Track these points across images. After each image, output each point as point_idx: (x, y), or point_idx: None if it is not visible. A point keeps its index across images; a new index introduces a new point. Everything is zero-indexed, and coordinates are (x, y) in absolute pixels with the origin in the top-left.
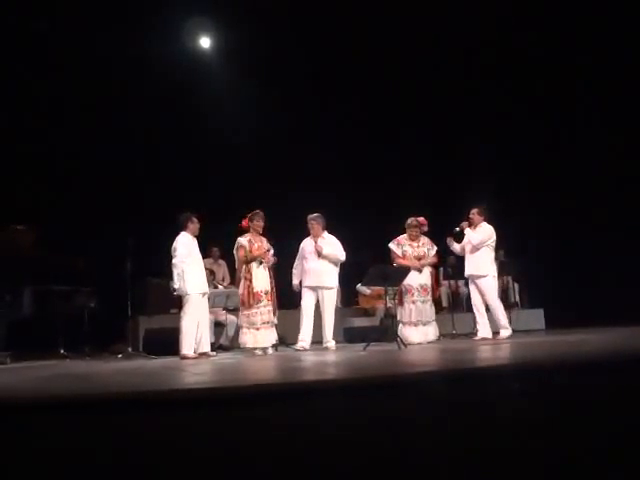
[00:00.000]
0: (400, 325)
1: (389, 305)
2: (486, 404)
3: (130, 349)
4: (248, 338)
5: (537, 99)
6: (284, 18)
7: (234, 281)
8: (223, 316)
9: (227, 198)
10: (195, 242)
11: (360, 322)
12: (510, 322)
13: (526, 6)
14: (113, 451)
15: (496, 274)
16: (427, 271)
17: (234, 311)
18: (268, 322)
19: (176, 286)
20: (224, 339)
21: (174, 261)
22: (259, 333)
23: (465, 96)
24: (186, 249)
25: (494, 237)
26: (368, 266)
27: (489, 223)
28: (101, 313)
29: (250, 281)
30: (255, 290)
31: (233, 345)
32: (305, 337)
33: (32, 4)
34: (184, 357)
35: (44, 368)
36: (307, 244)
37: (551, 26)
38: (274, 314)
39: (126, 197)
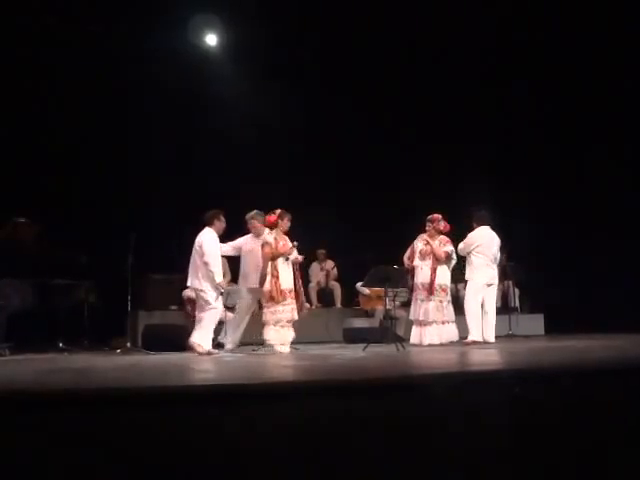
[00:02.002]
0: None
1: (388, 307)
2: (484, 408)
3: (129, 344)
4: (274, 335)
5: (542, 110)
6: (288, 16)
7: (235, 278)
8: (222, 313)
9: (229, 197)
10: (217, 240)
11: (359, 323)
12: (509, 327)
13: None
14: (109, 446)
15: (480, 280)
16: (428, 269)
17: (233, 309)
18: (292, 320)
19: (219, 279)
20: (222, 336)
21: (209, 260)
22: (283, 331)
23: (468, 97)
24: (213, 246)
25: (476, 243)
26: (369, 266)
27: (488, 225)
28: (101, 308)
29: (277, 278)
30: (282, 287)
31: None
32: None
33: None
34: (209, 353)
35: (43, 361)
36: (247, 242)
37: (557, 24)
38: (299, 311)
39: (129, 192)
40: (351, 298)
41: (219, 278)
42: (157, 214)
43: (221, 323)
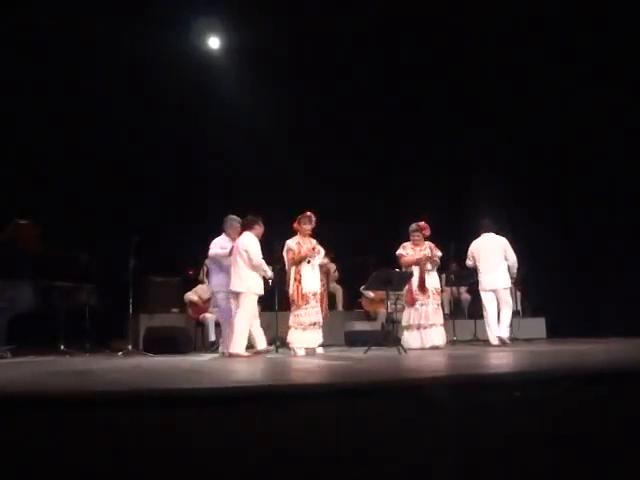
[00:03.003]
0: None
1: (390, 310)
2: (484, 412)
3: (130, 347)
4: (294, 337)
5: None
6: (287, 17)
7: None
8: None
9: (231, 200)
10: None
11: (361, 326)
12: (511, 330)
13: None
14: (110, 448)
15: (481, 287)
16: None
17: None
18: (315, 323)
19: (270, 274)
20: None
21: (259, 261)
22: (305, 334)
23: (474, 100)
24: (257, 249)
25: (470, 252)
26: (371, 269)
27: (491, 232)
28: (102, 310)
29: (299, 282)
30: (304, 291)
31: None
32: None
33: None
34: (237, 355)
35: (44, 363)
36: (226, 245)
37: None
38: (325, 315)
39: (131, 195)
40: (353, 301)
41: (270, 273)
42: (160, 216)
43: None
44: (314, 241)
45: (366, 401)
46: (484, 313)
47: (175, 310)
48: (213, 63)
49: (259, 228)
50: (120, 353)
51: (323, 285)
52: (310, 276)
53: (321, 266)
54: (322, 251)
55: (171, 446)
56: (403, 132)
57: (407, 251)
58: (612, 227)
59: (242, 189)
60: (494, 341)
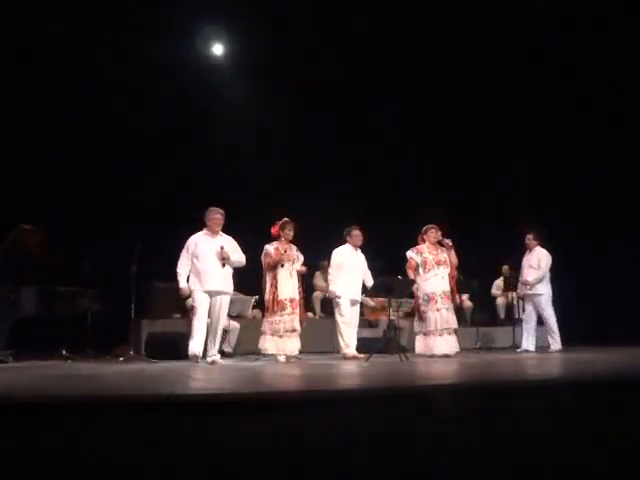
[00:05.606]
0: (421, 336)
1: (392, 317)
2: (488, 419)
3: (132, 352)
4: (270, 344)
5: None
6: (288, 24)
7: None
8: (226, 322)
9: (233, 206)
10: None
11: (363, 333)
12: (514, 338)
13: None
14: (111, 453)
15: (550, 292)
16: (446, 276)
17: (237, 317)
18: (292, 330)
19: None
20: (226, 345)
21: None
22: (281, 341)
23: (493, 111)
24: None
25: (550, 258)
26: (381, 275)
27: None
28: (104, 315)
29: (275, 288)
30: (279, 298)
31: (235, 352)
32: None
33: (43, 7)
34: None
35: (45, 368)
36: (200, 240)
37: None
38: (301, 322)
39: (135, 200)
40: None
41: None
42: (164, 220)
43: (224, 332)
44: (294, 247)
45: (366, 407)
46: (551, 320)
47: (177, 315)
48: (217, 69)
49: (351, 239)
50: (121, 358)
51: (300, 292)
52: (286, 282)
53: (300, 273)
54: (301, 258)
55: (171, 452)
56: (403, 136)
57: (425, 255)
58: (615, 230)
59: (243, 192)
60: (532, 347)
